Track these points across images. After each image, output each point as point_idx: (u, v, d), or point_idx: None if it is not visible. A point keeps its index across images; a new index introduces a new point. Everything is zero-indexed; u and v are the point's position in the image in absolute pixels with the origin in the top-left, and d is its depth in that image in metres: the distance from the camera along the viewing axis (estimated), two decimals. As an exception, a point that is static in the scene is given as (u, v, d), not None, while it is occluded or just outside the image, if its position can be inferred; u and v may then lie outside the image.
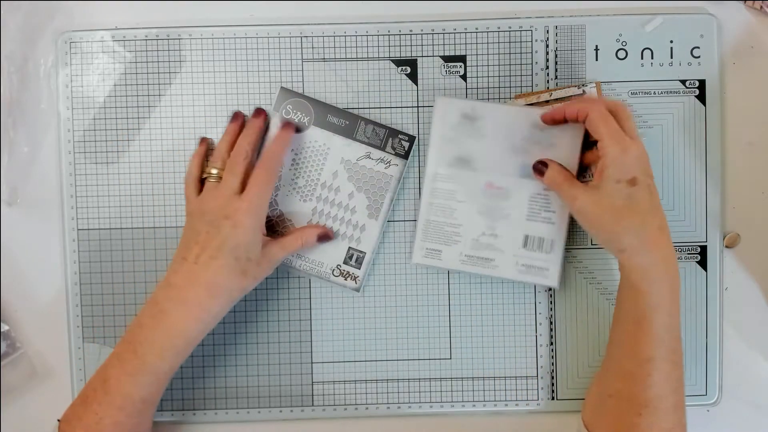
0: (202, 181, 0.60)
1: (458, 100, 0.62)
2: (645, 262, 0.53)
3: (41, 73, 0.63)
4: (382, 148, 0.62)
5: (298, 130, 0.62)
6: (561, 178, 0.57)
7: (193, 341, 0.56)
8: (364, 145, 0.62)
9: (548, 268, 0.61)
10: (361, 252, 0.62)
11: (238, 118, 0.61)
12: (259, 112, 0.61)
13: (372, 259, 0.63)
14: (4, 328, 0.63)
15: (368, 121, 0.62)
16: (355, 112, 0.63)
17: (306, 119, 0.62)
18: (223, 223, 0.55)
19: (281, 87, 0.62)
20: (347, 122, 0.62)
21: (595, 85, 0.62)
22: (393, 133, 0.62)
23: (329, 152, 0.62)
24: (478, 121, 0.61)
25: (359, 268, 0.62)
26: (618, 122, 0.55)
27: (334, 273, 0.62)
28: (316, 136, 0.62)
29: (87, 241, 0.63)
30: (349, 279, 0.62)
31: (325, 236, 0.61)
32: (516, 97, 0.63)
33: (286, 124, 0.61)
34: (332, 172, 0.62)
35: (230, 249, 0.55)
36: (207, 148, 0.62)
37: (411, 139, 0.62)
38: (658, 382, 0.53)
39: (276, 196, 0.62)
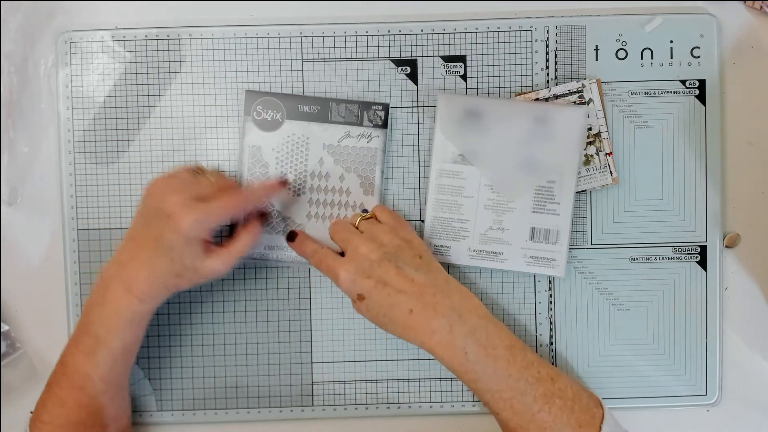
0: None
1: (460, 96, 0.62)
2: (427, 347, 0.55)
3: (41, 73, 0.63)
4: (360, 124, 0.62)
5: (286, 184, 0.62)
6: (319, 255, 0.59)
7: (141, 317, 0.56)
8: (341, 125, 0.62)
9: (555, 259, 0.61)
10: None
11: (282, 183, 0.61)
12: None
13: None
14: (4, 328, 0.63)
15: (339, 101, 0.62)
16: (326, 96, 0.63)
17: (278, 115, 0.62)
18: (167, 221, 0.54)
19: (246, 90, 0.62)
20: (319, 107, 0.62)
21: (595, 81, 0.62)
22: (366, 106, 0.62)
23: (309, 141, 0.62)
24: (480, 116, 0.61)
25: None
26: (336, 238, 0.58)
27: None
28: (292, 129, 0.62)
29: (87, 241, 0.63)
30: None
31: (263, 216, 0.62)
32: (516, 96, 0.63)
33: (283, 181, 0.61)
34: (317, 160, 0.62)
35: (167, 249, 0.54)
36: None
37: (385, 107, 0.62)
38: (510, 418, 0.54)
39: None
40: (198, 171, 0.59)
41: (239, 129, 0.63)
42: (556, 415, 0.54)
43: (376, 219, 0.60)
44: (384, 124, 0.62)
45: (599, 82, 0.62)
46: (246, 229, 0.59)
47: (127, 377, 0.58)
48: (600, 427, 0.54)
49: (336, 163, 0.62)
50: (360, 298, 0.55)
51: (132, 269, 0.54)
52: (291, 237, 0.61)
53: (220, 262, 0.56)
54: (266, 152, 0.62)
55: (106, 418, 0.57)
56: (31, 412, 0.57)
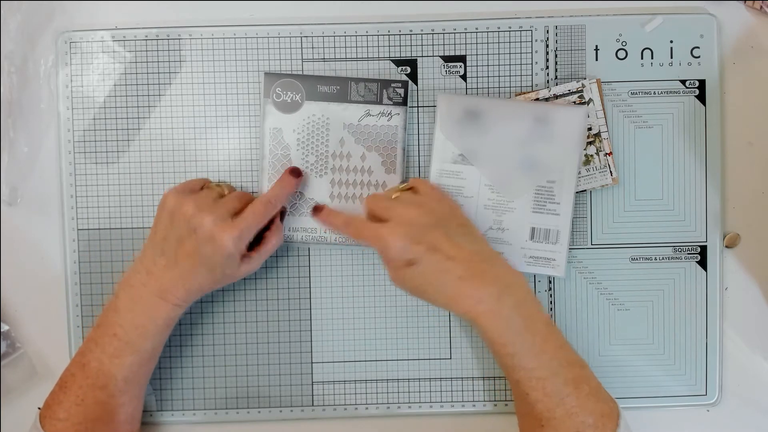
0: None
1: (460, 96, 0.62)
2: (471, 316, 0.53)
3: (41, 73, 0.63)
4: (379, 102, 0.62)
5: (299, 174, 0.62)
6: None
7: (173, 321, 0.58)
8: (361, 105, 0.62)
9: (555, 259, 0.61)
10: None
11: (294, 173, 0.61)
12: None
13: None
14: (4, 328, 0.63)
15: (358, 80, 0.62)
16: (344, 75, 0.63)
17: (298, 96, 0.62)
18: (206, 242, 0.55)
19: (265, 73, 0.62)
20: (338, 87, 0.62)
21: (595, 81, 0.62)
22: (385, 84, 0.62)
23: (329, 121, 0.62)
24: (480, 116, 0.61)
25: None
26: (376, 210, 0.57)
27: None
28: (312, 110, 0.62)
29: (87, 240, 0.63)
30: None
31: (282, 215, 0.62)
32: (516, 96, 0.63)
33: (293, 170, 0.61)
34: (338, 140, 0.62)
35: (209, 266, 0.56)
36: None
37: (404, 84, 0.62)
38: (540, 399, 0.53)
39: None
40: (207, 186, 0.61)
41: (239, 129, 0.63)
42: (584, 401, 0.53)
43: (414, 191, 0.60)
44: (404, 102, 0.62)
45: (599, 82, 0.62)
46: (272, 232, 0.60)
47: (149, 377, 0.59)
48: (618, 423, 0.54)
49: (357, 142, 0.62)
50: (409, 264, 0.54)
51: (167, 280, 0.56)
52: (316, 211, 0.61)
53: (252, 266, 0.59)
54: (287, 134, 0.62)
55: (123, 416, 0.57)
56: (39, 408, 0.57)
